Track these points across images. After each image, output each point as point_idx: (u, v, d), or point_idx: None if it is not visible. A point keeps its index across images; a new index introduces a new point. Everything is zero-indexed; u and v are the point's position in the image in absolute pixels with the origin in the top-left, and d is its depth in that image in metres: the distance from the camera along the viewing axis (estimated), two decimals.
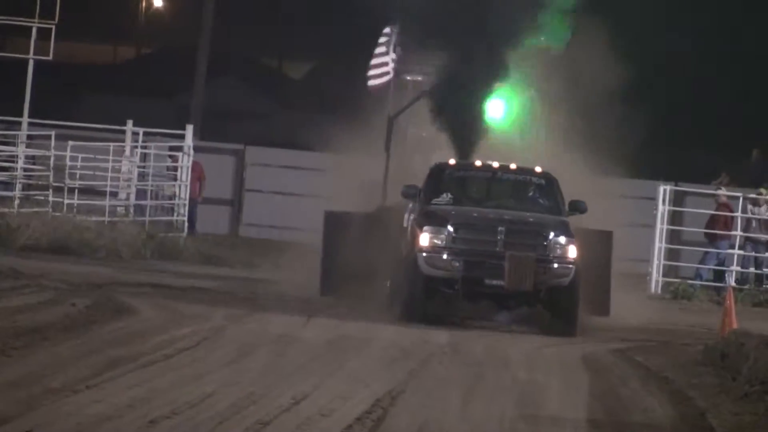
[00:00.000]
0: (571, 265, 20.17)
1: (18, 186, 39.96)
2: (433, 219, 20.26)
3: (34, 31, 40.75)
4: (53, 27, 40.85)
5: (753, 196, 42.55)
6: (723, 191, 42.16)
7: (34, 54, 40.88)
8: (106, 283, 28.61)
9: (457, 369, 19.83)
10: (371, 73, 28.19)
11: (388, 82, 27.96)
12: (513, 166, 23.39)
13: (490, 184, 22.72)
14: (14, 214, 37.77)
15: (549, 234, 20.30)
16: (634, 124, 34.25)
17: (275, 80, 63.45)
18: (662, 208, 40.12)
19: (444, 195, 21.23)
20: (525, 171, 23.15)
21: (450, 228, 19.69)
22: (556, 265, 19.90)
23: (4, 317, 23.36)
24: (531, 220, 21.37)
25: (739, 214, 40.35)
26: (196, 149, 42.14)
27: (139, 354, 21.28)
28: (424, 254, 19.44)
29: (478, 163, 23.09)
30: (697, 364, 22.37)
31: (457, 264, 19.51)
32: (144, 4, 65.65)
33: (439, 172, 22.20)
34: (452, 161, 23.39)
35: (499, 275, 19.40)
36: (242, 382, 18.36)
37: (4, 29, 45.54)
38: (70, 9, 43.58)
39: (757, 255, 38.94)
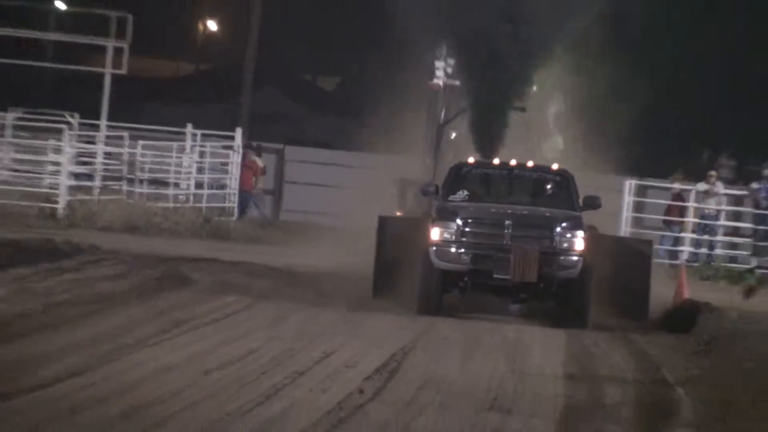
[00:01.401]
0: (577, 257, 18.86)
1: (98, 178, 40.16)
2: (444, 214, 19.32)
3: (110, 49, 41.17)
4: (126, 46, 41.23)
5: (704, 188, 41.15)
6: (677, 185, 42.12)
7: (111, 68, 41.11)
8: (171, 258, 28.95)
9: (458, 333, 19.00)
10: (436, 78, 26.81)
11: (442, 87, 26.69)
12: (530, 163, 21.97)
13: (506, 181, 21.45)
14: (95, 201, 38.41)
15: (556, 227, 19.07)
16: (616, 128, 33.60)
17: (310, 90, 62.99)
18: (627, 199, 39.70)
19: (461, 192, 20.17)
20: (541, 168, 21.88)
21: (459, 222, 18.73)
22: (562, 257, 18.74)
23: (86, 285, 23.78)
24: (538, 214, 20.16)
25: (690, 204, 40.18)
26: (249, 149, 42.54)
27: (197, 317, 21.79)
28: (435, 248, 18.59)
29: (495, 161, 21.88)
30: (656, 327, 22.23)
31: (466, 257, 18.60)
32: (202, 27, 65.93)
33: (457, 170, 21.14)
34: (471, 159, 22.08)
35: (506, 268, 18.33)
36: (281, 339, 19.09)
37: (85, 47, 45.41)
38: (141, 29, 43.35)
39: (704, 238, 38.43)
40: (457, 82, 26.11)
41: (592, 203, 20.95)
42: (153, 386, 15.83)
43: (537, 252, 18.20)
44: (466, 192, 20.22)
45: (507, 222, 18.63)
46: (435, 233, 18.54)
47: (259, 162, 43.11)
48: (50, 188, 38.06)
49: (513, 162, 21.59)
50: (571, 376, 16.31)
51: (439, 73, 26.48)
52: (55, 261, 26.08)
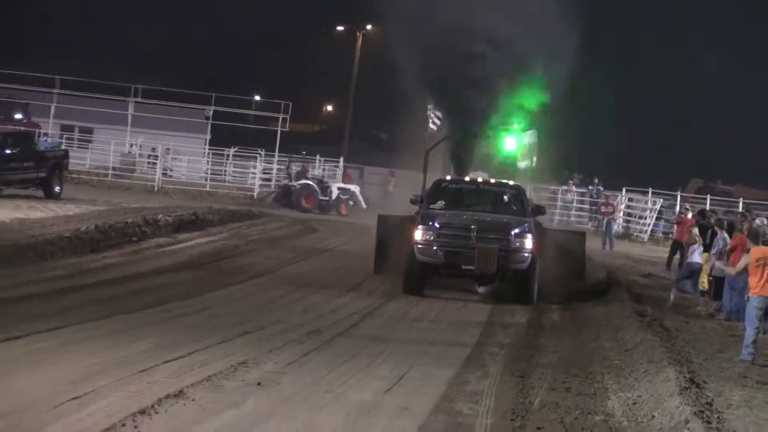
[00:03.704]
0: (527, 254, 17.23)
1: (273, 182, 43.24)
2: (425, 219, 17.64)
3: (280, 119, 45.64)
4: (287, 116, 45.65)
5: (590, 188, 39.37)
6: (573, 188, 39.65)
7: (280, 128, 45.84)
8: (307, 219, 31.97)
9: (426, 301, 17.29)
10: (430, 123, 25.54)
11: (434, 130, 25.09)
12: (492, 180, 20.31)
13: (474, 194, 19.72)
14: (270, 191, 41.92)
15: (511, 231, 17.44)
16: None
17: (374, 140, 66.95)
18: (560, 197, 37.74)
19: (439, 202, 18.75)
20: (500, 184, 19.90)
21: (437, 225, 17.34)
22: (515, 254, 17.23)
23: (266, 232, 26.92)
24: (498, 220, 18.10)
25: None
26: (346, 167, 44.68)
27: (323, 246, 25.08)
28: (418, 246, 17.16)
29: (467, 178, 20.32)
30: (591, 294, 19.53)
31: (441, 253, 17.20)
32: (323, 106, 72.20)
33: (437, 185, 19.43)
34: (448, 177, 20.54)
35: (471, 262, 17.12)
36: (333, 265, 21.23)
37: (268, 117, 48.42)
38: (294, 108, 47.42)
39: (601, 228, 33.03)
40: (437, 121, 25.30)
41: (539, 211, 19.89)
42: (308, 272, 19.82)
43: (496, 250, 16.93)
44: (443, 202, 18.76)
45: (473, 227, 17.28)
46: (418, 234, 17.20)
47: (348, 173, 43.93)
48: (250, 185, 41.87)
49: (480, 179, 20.24)
50: (530, 325, 15.82)
51: (429, 114, 25.47)
52: (251, 220, 28.28)
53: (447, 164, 23.01)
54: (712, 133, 58.39)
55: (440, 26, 20.91)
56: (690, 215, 24.37)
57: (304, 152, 42.64)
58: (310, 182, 37.62)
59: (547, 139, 23.92)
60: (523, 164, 24.56)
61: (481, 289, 18.34)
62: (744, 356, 12.85)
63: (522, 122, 22.74)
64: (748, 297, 13.14)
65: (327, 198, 37.34)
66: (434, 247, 17.13)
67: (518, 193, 19.34)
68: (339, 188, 38.10)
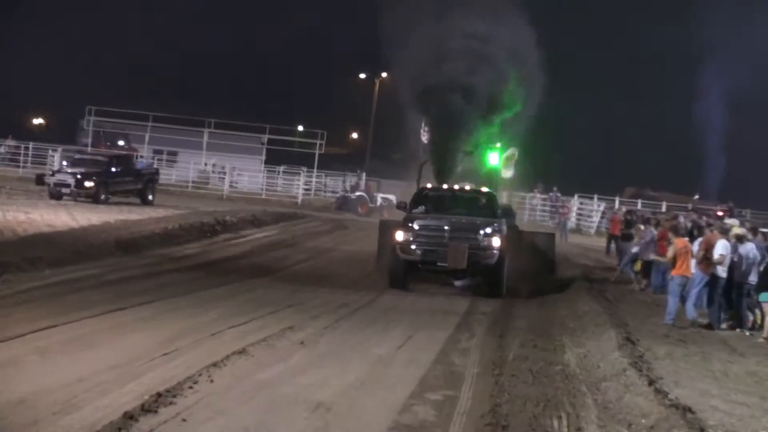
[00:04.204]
0: (495, 251, 15.08)
1: (312, 190, 42.69)
2: (405, 222, 15.63)
3: (317, 144, 44.85)
4: (323, 142, 45.06)
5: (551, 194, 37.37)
6: (537, 194, 37.84)
7: (318, 150, 44.86)
8: (340, 219, 30.86)
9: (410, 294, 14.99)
10: (422, 137, 22.76)
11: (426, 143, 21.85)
12: (467, 187, 17.76)
13: (451, 199, 17.30)
14: (311, 198, 40.81)
15: (480, 231, 15.29)
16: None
17: (389, 159, 56.83)
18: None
19: (421, 207, 16.60)
20: (474, 191, 17.50)
21: (415, 228, 15.33)
22: (484, 252, 15.11)
23: (307, 229, 26.18)
24: (469, 222, 15.77)
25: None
26: (367, 179, 41.81)
27: (352, 237, 25.12)
28: (400, 245, 15.23)
29: (445, 186, 17.76)
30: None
31: (419, 251, 15.21)
32: (350, 134, 71.10)
33: (420, 192, 17.29)
34: (429, 185, 17.97)
35: (445, 258, 15.17)
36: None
37: (308, 143, 46.59)
38: (329, 135, 46.60)
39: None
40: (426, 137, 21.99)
41: (509, 213, 17.40)
42: (339, 260, 19.21)
43: (466, 248, 14.92)
44: (424, 207, 16.50)
45: (446, 227, 15.25)
46: (399, 235, 15.17)
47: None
48: (295, 194, 41.01)
49: (456, 186, 17.60)
50: (476, 297, 14.65)
51: (423, 131, 22.78)
52: (295, 219, 27.48)
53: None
54: (641, 151, 57.15)
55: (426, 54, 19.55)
56: (620, 215, 23.74)
57: (358, 170, 42.18)
58: (363, 193, 37.57)
59: (522, 153, 21.81)
60: (508, 174, 22.30)
61: (457, 283, 16.18)
62: (667, 321, 12.87)
63: (502, 140, 20.72)
64: (672, 276, 13.19)
65: (373, 205, 37.09)
66: (413, 246, 15.06)
67: (489, 198, 17.05)
68: (382, 197, 37.64)
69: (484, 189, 17.67)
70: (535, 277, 17.37)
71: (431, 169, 19.03)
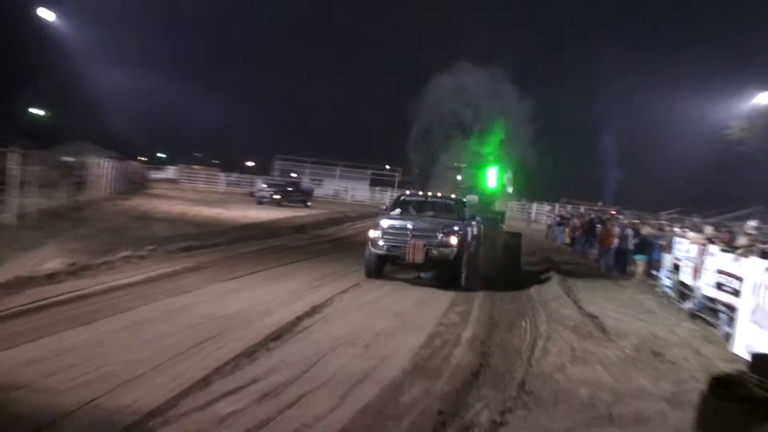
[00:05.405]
0: (452, 248, 10.50)
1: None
2: (379, 222, 11.14)
3: (397, 176, 40.41)
4: (399, 174, 40.29)
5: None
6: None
7: (397, 179, 40.63)
8: (341, 217, 21.87)
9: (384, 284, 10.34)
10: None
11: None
12: (439, 194, 12.58)
13: (424, 204, 12.09)
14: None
15: (438, 231, 10.61)
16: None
17: (406, 178, 47.80)
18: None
19: (397, 210, 11.91)
20: (444, 197, 12.47)
21: (384, 227, 10.80)
22: (442, 249, 10.45)
23: (314, 237, 16.93)
24: (431, 222, 11.16)
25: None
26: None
27: (350, 235, 17.29)
28: (371, 241, 10.81)
29: (420, 193, 12.63)
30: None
31: (385, 247, 10.66)
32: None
33: (399, 197, 12.74)
34: (408, 192, 12.96)
35: (405, 254, 10.49)
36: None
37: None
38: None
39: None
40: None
41: (473, 218, 12.18)
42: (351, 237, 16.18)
43: (423, 245, 10.50)
44: (399, 210, 12.00)
45: (409, 227, 10.76)
46: (371, 233, 10.94)
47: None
48: (384, 201, 34.34)
49: (430, 193, 12.62)
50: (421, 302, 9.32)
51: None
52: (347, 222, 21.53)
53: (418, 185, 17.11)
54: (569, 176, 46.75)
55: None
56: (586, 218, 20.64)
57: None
58: None
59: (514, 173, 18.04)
60: (509, 191, 17.99)
61: (423, 275, 11.69)
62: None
63: (495, 164, 16.86)
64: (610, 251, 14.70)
65: None
66: (380, 242, 10.91)
67: (456, 203, 12.46)
68: None
69: (453, 196, 13.23)
70: (503, 268, 13.30)
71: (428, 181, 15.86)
